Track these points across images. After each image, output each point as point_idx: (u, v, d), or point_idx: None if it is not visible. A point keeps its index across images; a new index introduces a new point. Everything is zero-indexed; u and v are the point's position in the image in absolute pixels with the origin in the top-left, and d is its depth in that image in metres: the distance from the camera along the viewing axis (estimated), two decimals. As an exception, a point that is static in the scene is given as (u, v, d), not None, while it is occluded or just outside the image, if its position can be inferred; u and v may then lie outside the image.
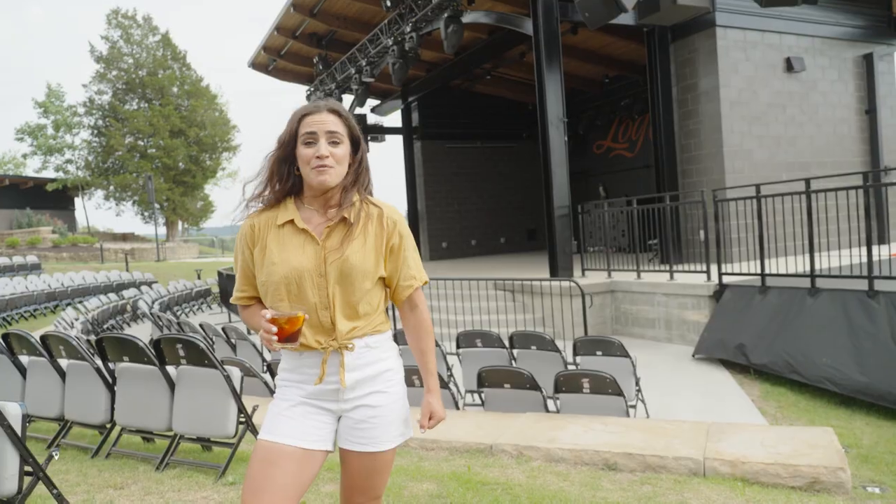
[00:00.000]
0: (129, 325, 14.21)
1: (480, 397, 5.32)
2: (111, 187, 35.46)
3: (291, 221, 1.87)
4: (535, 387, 4.93)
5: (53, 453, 3.11)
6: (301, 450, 1.83)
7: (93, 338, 6.21)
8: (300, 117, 1.87)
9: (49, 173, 36.70)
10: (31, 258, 22.88)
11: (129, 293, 16.22)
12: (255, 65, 18.68)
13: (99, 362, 4.49)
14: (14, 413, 2.94)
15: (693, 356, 7.84)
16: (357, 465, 1.92)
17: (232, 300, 1.98)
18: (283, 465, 1.80)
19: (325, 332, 1.86)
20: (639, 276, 9.35)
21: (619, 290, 9.54)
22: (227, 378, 3.92)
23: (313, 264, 1.84)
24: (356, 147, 1.92)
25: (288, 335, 1.76)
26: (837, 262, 7.49)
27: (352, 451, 1.91)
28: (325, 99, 1.93)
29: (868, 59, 12.12)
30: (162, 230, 36.96)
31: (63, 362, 4.70)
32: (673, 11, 9.65)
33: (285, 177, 1.89)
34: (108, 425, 4.48)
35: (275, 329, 1.73)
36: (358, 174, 1.92)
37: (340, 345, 1.86)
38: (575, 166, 18.73)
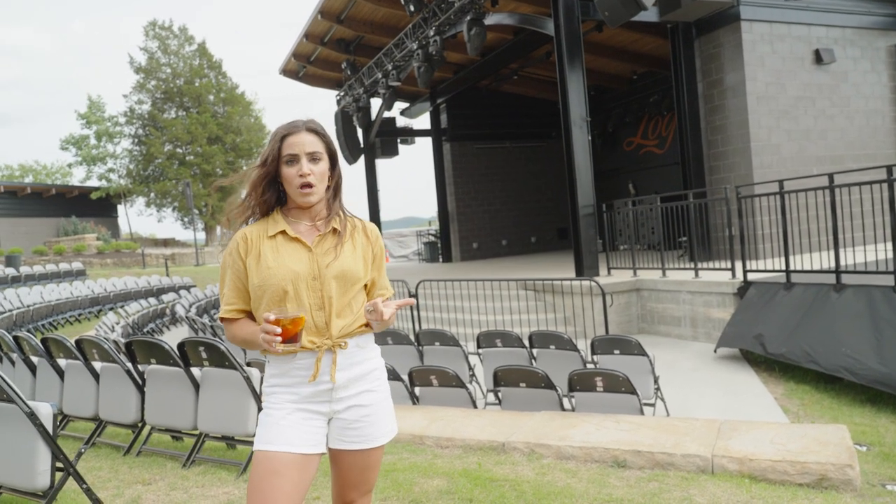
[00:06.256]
0: (168, 328, 14.64)
1: (497, 396, 5.41)
2: (152, 194, 36.46)
3: (283, 232, 1.98)
4: (549, 386, 5.00)
5: (82, 450, 3.31)
6: (301, 456, 1.90)
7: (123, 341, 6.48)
8: (281, 138, 1.98)
9: (93, 182, 37.98)
10: (77, 264, 23.69)
11: (168, 297, 16.72)
12: (286, 72, 19.04)
13: (129, 365, 4.71)
14: (45, 413, 3.15)
15: (714, 351, 7.80)
16: (352, 463, 2.02)
17: (220, 315, 2.03)
18: (288, 473, 1.86)
19: (319, 333, 1.95)
20: (664, 275, 9.32)
21: (644, 289, 9.52)
22: (247, 379, 4.09)
23: (307, 268, 1.95)
24: (333, 162, 2.05)
25: (292, 335, 1.80)
26: (867, 258, 7.38)
27: (346, 451, 2.01)
28: (303, 119, 2.04)
29: (902, 48, 11.83)
30: (201, 235, 37.86)
31: (97, 365, 4.95)
32: (694, 7, 9.60)
33: (270, 192, 2.01)
34: (139, 424, 4.71)
35: (278, 330, 1.76)
36: (337, 188, 2.08)
37: (334, 343, 1.96)
38: (605, 164, 18.80)
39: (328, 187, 2.04)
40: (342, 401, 1.99)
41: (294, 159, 1.96)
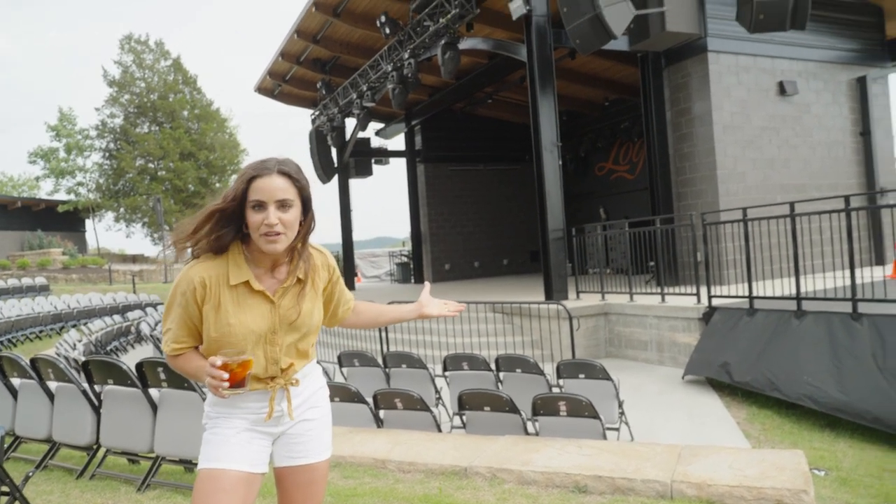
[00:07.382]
0: (132, 346, 14.36)
1: (462, 420, 5.39)
2: (121, 209, 35.92)
3: (246, 283, 1.87)
4: (514, 410, 5.00)
5: (30, 473, 3.22)
6: (248, 474, 1.90)
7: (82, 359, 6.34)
8: (248, 179, 1.83)
9: (61, 195, 37.29)
10: (40, 279, 23.18)
11: (133, 315, 16.41)
12: (261, 89, 19.00)
13: (86, 385, 4.61)
14: (-8, 435, 3.06)
15: (682, 378, 7.88)
16: (297, 481, 2.02)
17: (167, 352, 1.93)
18: (235, 490, 1.85)
19: (271, 377, 1.95)
20: (631, 299, 9.41)
21: (612, 313, 9.60)
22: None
23: (268, 325, 1.89)
24: (306, 208, 1.90)
25: (239, 380, 1.75)
26: (828, 284, 7.55)
27: (291, 467, 2.01)
28: (278, 159, 1.88)
29: (862, 82, 12.22)
30: (171, 251, 37.24)
31: (52, 385, 4.83)
32: (663, 38, 9.81)
33: (227, 230, 1.86)
34: (94, 447, 4.59)
35: (226, 375, 1.71)
36: (307, 236, 1.94)
37: (287, 381, 1.96)
38: (577, 188, 19.04)
39: (298, 233, 1.89)
40: (291, 422, 2.02)
41: (261, 206, 1.81)
